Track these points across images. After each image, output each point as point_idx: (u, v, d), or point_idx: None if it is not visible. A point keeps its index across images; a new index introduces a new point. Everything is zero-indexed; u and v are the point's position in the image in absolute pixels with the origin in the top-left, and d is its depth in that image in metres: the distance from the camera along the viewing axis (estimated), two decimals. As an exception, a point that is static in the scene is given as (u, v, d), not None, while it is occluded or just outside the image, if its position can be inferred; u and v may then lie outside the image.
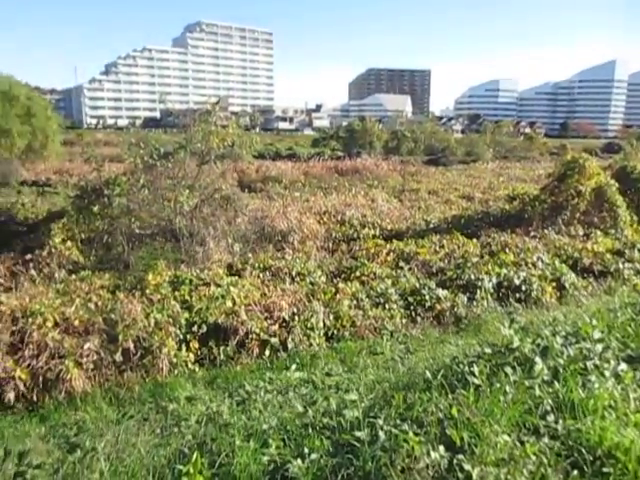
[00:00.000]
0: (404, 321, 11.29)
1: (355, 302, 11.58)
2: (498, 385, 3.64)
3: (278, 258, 14.52)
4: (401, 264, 14.36)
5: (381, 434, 2.98)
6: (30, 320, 8.87)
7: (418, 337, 10.45)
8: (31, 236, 14.83)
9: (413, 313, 11.59)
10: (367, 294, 12.00)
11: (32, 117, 46.39)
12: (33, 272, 12.44)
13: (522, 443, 3.39)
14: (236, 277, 12.56)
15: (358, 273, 13.49)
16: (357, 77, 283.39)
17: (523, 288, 12.54)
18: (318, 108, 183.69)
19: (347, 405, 3.39)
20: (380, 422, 3.12)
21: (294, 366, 4.71)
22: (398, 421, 3.16)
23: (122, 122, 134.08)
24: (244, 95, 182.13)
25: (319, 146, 75.90)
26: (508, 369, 3.82)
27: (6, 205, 19.61)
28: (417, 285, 12.47)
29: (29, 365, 8.30)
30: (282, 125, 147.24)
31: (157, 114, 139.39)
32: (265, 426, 3.34)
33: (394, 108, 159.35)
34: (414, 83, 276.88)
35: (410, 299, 11.91)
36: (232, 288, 11.25)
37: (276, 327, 10.28)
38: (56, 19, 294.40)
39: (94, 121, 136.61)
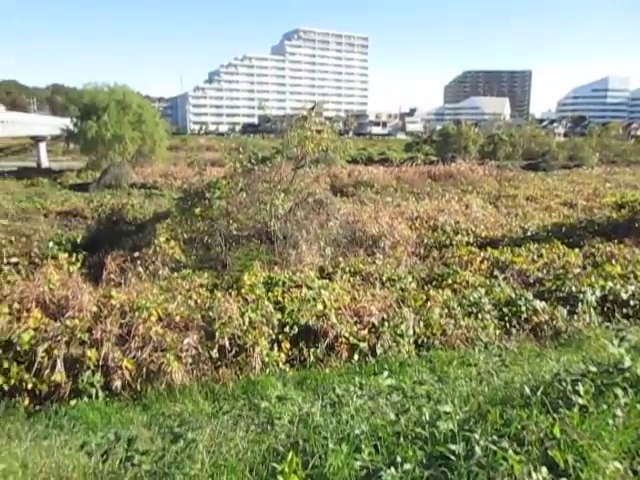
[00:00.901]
0: (498, 332, 10.87)
1: (446, 310, 11.32)
2: (606, 407, 3.41)
3: (369, 263, 14.51)
4: (496, 273, 13.86)
5: (477, 449, 2.88)
6: (136, 314, 9.50)
7: (513, 350, 10.02)
8: (139, 235, 15.86)
9: (508, 325, 11.13)
10: (459, 303, 11.69)
11: (142, 124, 49.86)
12: (140, 269, 13.30)
13: (635, 473, 3.16)
14: (327, 280, 12.71)
15: (450, 281, 13.18)
16: (453, 80, 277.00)
17: (632, 303, 11.63)
18: (412, 112, 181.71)
19: (440, 416, 3.32)
20: (476, 436, 3.02)
21: (385, 373, 4.67)
22: (495, 437, 3.05)
23: (223, 128, 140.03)
24: (338, 100, 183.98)
25: (412, 151, 75.00)
26: (618, 390, 3.55)
27: (118, 205, 21.13)
28: (512, 295, 11.97)
29: (134, 356, 8.89)
30: (375, 130, 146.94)
31: (255, 120, 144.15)
32: (357, 431, 3.35)
33: (491, 111, 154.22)
34: (513, 85, 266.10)
35: (505, 310, 11.45)
36: (323, 291, 11.39)
37: (365, 332, 10.28)
38: (165, 33, 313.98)
39: (197, 127, 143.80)
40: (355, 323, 10.47)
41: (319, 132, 16.15)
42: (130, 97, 51.52)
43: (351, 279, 13.09)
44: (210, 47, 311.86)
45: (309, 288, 11.68)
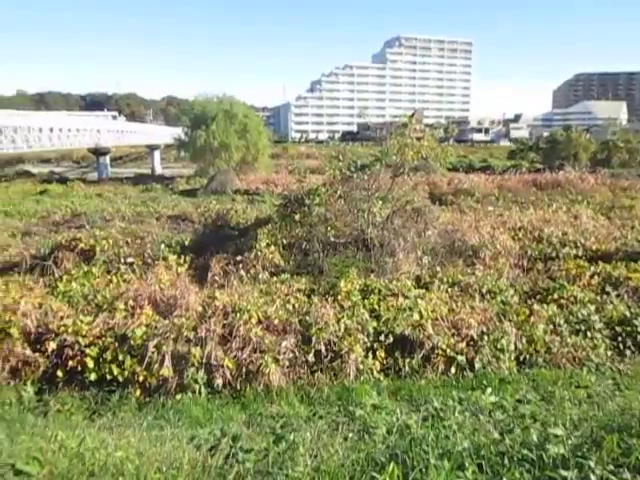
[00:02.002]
0: (609, 353, 10.14)
1: (551, 327, 10.73)
2: None
3: (468, 274, 14.07)
4: (608, 289, 12.90)
5: (593, 478, 2.70)
6: (238, 316, 9.90)
7: (627, 373, 9.29)
8: (241, 239, 16.52)
9: (621, 345, 10.34)
10: (566, 319, 11.03)
11: (247, 133, 51.94)
12: (242, 272, 13.85)
13: None
14: (424, 290, 12.50)
15: (556, 295, 12.47)
16: (563, 84, 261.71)
17: None
18: (517, 118, 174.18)
19: (549, 439, 3.15)
20: (591, 464, 2.83)
21: (488, 389, 4.49)
22: (613, 467, 2.84)
23: (322, 136, 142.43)
24: (439, 107, 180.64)
25: (516, 158, 71.85)
26: None
27: (223, 211, 22.14)
28: (627, 314, 11.10)
29: (235, 356, 9.27)
30: (477, 136, 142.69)
31: (354, 128, 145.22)
32: (459, 447, 3.26)
33: (606, 116, 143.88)
34: (631, 87, 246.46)
35: (618, 329, 10.65)
36: (420, 301, 11.22)
37: (463, 345, 10.00)
38: (271, 47, 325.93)
39: (298, 135, 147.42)
40: (453, 335, 10.21)
41: (419, 139, 15.96)
42: (236, 107, 53.89)
43: (449, 290, 12.77)
44: (313, 57, 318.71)
45: (405, 297, 11.55)
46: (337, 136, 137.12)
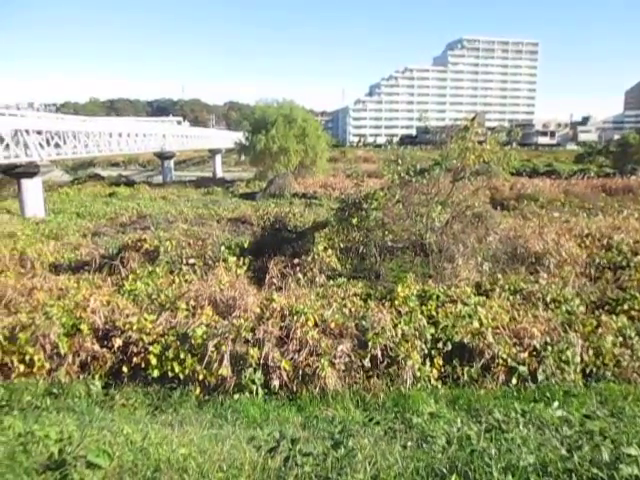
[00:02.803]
0: (686, 369, 9.55)
1: (621, 339, 10.23)
2: None
3: (531, 281, 13.60)
4: (684, 301, 12.16)
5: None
6: (295, 318, 10.00)
7: None
8: (299, 242, 16.64)
9: (698, 361, 9.72)
10: (637, 332, 10.49)
11: (306, 137, 52.52)
12: (299, 275, 13.96)
13: None
14: (484, 297, 12.21)
15: (626, 306, 11.87)
16: (636, 84, 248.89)
17: None
18: (585, 121, 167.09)
19: (622, 459, 2.99)
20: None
21: (555, 403, 4.32)
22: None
23: (380, 140, 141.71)
24: (502, 109, 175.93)
25: (583, 162, 69.13)
26: None
27: (281, 214, 22.41)
28: None
29: (292, 358, 9.36)
30: (542, 140, 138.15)
31: (413, 131, 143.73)
32: (523, 462, 3.15)
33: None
34: None
35: (694, 344, 10.02)
36: (479, 308, 10.97)
37: (525, 355, 9.69)
38: (330, 52, 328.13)
39: (356, 139, 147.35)
40: (514, 345, 9.92)
41: (480, 143, 15.60)
42: (296, 112, 54.61)
43: (510, 298, 12.41)
44: (373, 61, 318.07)
45: (465, 304, 11.32)
46: (395, 140, 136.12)
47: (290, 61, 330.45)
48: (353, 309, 11.00)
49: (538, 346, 9.80)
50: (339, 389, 9.10)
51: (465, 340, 9.86)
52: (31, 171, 34.63)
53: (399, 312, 10.82)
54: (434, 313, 10.88)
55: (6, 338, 9.85)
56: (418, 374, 9.33)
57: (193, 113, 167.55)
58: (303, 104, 64.42)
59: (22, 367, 9.55)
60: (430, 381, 9.38)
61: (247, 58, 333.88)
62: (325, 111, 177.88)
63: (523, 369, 9.30)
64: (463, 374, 9.52)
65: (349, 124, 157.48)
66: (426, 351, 9.74)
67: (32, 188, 34.52)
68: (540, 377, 9.32)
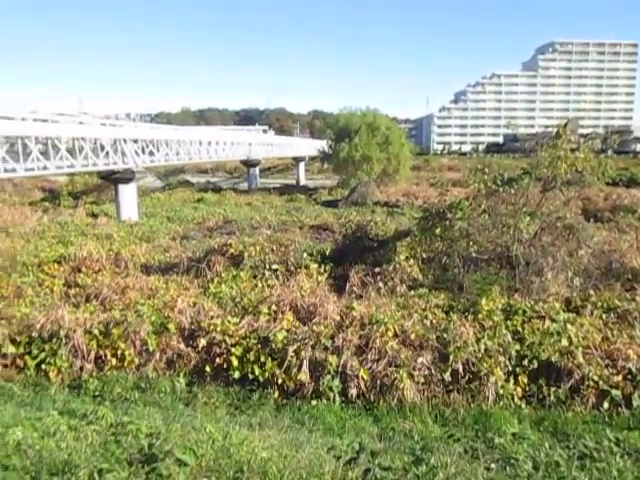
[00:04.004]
0: None
1: None
2: None
3: (627, 299, 12.70)
4: None
5: None
6: (374, 327, 9.95)
7: None
8: (380, 251, 16.55)
9: None
10: None
11: (389, 145, 52.27)
12: (380, 284, 13.87)
13: None
14: (574, 314, 11.53)
15: None
16: None
17: None
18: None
19: None
20: None
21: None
22: None
23: (466, 148, 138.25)
24: (597, 115, 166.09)
25: (690, 171, 63.73)
26: None
27: (362, 222, 22.38)
28: None
29: (370, 368, 9.30)
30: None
31: (500, 139, 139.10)
32: (621, 498, 2.93)
33: None
34: None
35: None
36: (569, 326, 10.38)
37: (619, 378, 9.06)
38: (415, 57, 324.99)
39: (440, 147, 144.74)
40: (606, 366, 9.32)
41: (573, 151, 14.82)
42: (379, 120, 54.52)
43: (603, 316, 11.64)
44: (458, 68, 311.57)
45: (553, 321, 10.76)
46: (481, 148, 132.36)
47: (373, 69, 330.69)
48: (434, 321, 10.78)
49: (634, 369, 9.14)
50: (417, 402, 8.93)
51: (553, 359, 9.38)
52: (127, 177, 36.83)
53: (482, 326, 10.47)
54: (520, 329, 10.43)
55: (101, 333, 10.54)
56: (501, 392, 8.99)
57: (278, 122, 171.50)
58: (386, 112, 64.34)
59: (114, 361, 10.16)
60: (513, 400, 9.01)
61: (331, 68, 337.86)
62: (408, 119, 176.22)
63: (616, 393, 8.72)
64: (549, 395, 9.05)
65: (433, 132, 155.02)
66: (510, 368, 9.36)
67: (128, 193, 36.71)
68: (635, 403, 8.69)
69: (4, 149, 27.85)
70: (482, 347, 9.47)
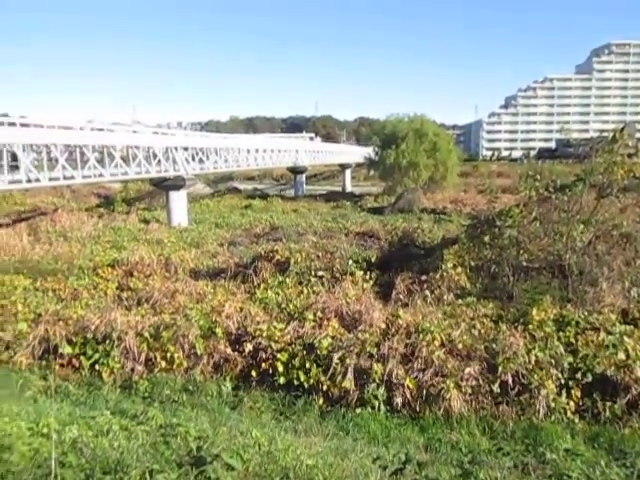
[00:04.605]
0: None
1: None
2: None
3: (689, 311, 12.09)
4: None
5: None
6: (421, 336, 9.82)
7: None
8: (427, 259, 16.37)
9: None
10: None
11: (436, 151, 51.67)
12: (427, 292, 13.70)
13: None
14: (631, 326, 11.04)
15: None
16: None
17: None
18: None
19: None
20: None
21: None
22: None
23: (516, 153, 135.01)
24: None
25: None
26: None
27: (409, 229, 22.21)
28: None
29: (416, 377, 9.18)
30: None
31: (552, 144, 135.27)
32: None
33: None
34: None
35: None
36: (626, 338, 9.94)
37: (682, 395, 8.62)
38: (461, 62, 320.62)
39: (489, 153, 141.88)
40: (668, 382, 8.85)
41: (630, 156, 14.28)
42: (427, 126, 53.97)
43: (665, 329, 11.09)
44: (507, 73, 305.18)
45: (609, 333, 10.33)
46: (532, 153, 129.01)
47: (421, 75, 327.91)
48: (482, 331, 10.55)
49: (699, 386, 8.66)
50: (464, 413, 8.75)
51: (608, 372, 9.01)
52: (178, 184, 37.81)
53: (533, 337, 10.16)
54: (573, 340, 10.08)
55: (151, 335, 10.83)
56: (552, 405, 8.70)
57: (325, 129, 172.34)
58: (434, 118, 63.58)
59: (164, 363, 10.42)
60: (566, 414, 8.70)
61: (378, 75, 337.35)
62: (456, 125, 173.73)
63: (678, 410, 8.28)
64: (605, 410, 8.70)
65: (482, 138, 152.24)
66: (562, 381, 9.05)
67: (178, 199, 37.67)
68: (699, 421, 8.23)
69: (64, 157, 29.09)
70: (533, 358, 9.21)
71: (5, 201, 39.68)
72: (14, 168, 27.15)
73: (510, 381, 8.93)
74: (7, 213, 36.65)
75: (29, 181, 27.01)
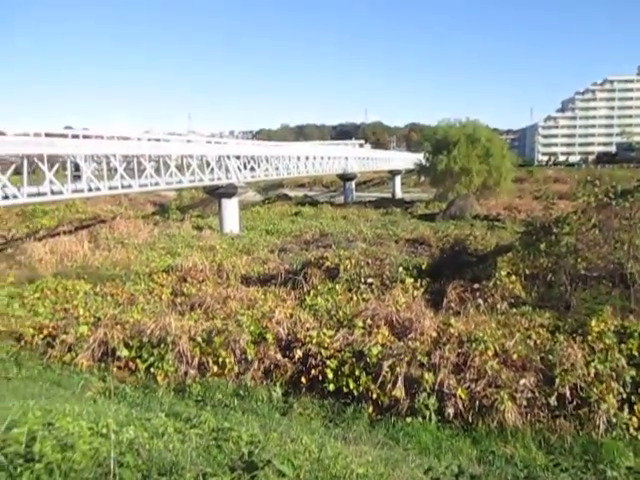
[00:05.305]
0: None
1: None
2: None
3: None
4: None
5: None
6: (473, 346, 9.60)
7: None
8: (479, 267, 16.02)
9: None
10: None
11: (489, 157, 50.53)
12: (479, 301, 13.40)
13: None
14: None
15: None
16: None
17: None
18: None
19: None
20: None
21: None
22: None
23: (573, 158, 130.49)
24: None
25: None
26: None
27: (461, 236, 21.81)
28: None
29: (468, 387, 8.98)
30: None
31: (613, 148, 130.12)
32: None
33: None
34: None
35: None
36: (694, 352, 9.42)
37: None
38: (516, 65, 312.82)
39: (545, 158, 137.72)
40: None
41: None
42: (479, 131, 52.92)
43: None
44: (563, 76, 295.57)
45: (676, 346, 9.80)
46: (591, 158, 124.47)
47: (473, 78, 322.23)
48: (538, 341, 10.23)
49: None
50: (519, 426, 8.49)
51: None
52: (230, 192, 38.57)
53: (592, 349, 9.75)
54: (636, 353, 9.63)
55: (204, 340, 11.06)
56: (614, 420, 8.32)
57: (374, 135, 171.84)
58: (487, 123, 62.25)
59: (215, 368, 10.61)
60: (628, 430, 8.31)
61: (429, 80, 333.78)
62: (511, 129, 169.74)
63: None
64: (672, 427, 8.24)
65: (538, 142, 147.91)
66: (624, 395, 8.66)
67: (230, 207, 38.41)
68: None
69: (122, 167, 30.24)
70: (592, 371, 8.85)
71: (68, 209, 41.49)
72: (76, 178, 28.47)
73: (568, 394, 8.61)
74: (70, 221, 38.31)
75: (90, 190, 28.20)
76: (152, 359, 10.89)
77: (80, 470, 2.97)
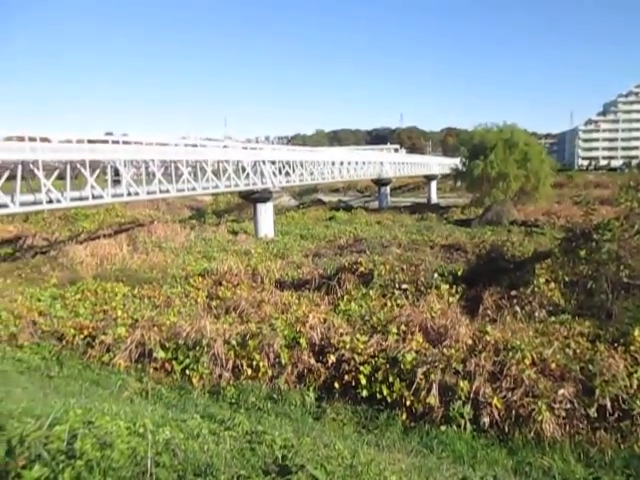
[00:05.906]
0: None
1: None
2: None
3: None
4: None
5: None
6: (510, 354, 9.41)
7: None
8: (516, 273, 15.70)
9: None
10: None
11: (527, 161, 49.57)
12: (517, 308, 13.15)
13: None
14: None
15: None
16: None
17: None
18: None
19: None
20: None
21: None
22: None
23: (615, 163, 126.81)
24: None
25: None
26: None
27: (497, 242, 21.45)
28: None
29: (504, 396, 8.80)
30: None
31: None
32: None
33: None
34: None
35: None
36: None
37: None
38: (556, 70, 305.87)
39: (585, 162, 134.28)
40: None
41: None
42: (517, 135, 52.01)
43: None
44: (604, 79, 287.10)
45: None
46: (634, 162, 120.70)
47: (510, 81, 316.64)
48: (578, 350, 9.95)
49: None
50: (557, 437, 8.27)
51: None
52: (265, 196, 38.98)
53: (635, 359, 9.43)
54: (682, 365, 9.26)
55: (238, 344, 11.17)
56: (658, 434, 8.01)
57: (410, 140, 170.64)
58: (525, 127, 61.08)
59: (249, 371, 10.70)
60: (674, 445, 7.98)
61: (465, 84, 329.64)
62: (550, 133, 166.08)
63: None
64: None
65: (578, 146, 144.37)
66: (670, 409, 8.32)
67: (265, 212, 38.80)
68: None
69: (160, 172, 30.91)
70: (635, 382, 8.55)
71: (108, 213, 42.64)
72: (116, 182, 29.27)
73: (609, 406, 8.34)
74: (109, 224, 39.36)
75: (129, 194, 28.95)
76: (187, 361, 11.05)
77: (118, 468, 3.05)
